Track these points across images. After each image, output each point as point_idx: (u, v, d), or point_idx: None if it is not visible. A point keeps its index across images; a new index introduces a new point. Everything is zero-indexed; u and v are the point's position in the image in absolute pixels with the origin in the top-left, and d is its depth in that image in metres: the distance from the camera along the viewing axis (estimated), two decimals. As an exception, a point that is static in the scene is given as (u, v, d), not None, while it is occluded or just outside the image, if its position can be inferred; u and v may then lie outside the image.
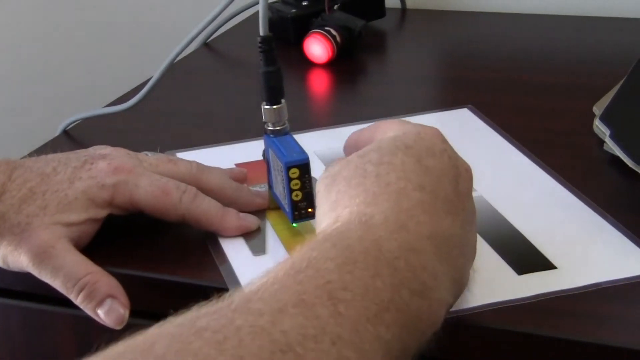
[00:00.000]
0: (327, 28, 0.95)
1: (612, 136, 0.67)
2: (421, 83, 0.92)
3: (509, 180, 0.68)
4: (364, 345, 0.41)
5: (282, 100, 0.63)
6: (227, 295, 0.42)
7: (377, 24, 1.07)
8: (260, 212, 0.65)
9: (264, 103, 0.63)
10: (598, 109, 0.74)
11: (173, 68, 0.87)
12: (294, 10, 1.01)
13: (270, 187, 0.65)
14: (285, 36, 1.02)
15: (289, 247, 0.61)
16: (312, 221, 0.62)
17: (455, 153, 0.53)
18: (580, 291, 0.54)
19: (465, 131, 0.77)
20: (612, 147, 0.67)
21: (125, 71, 1.21)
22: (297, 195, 0.60)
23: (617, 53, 0.94)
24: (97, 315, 0.57)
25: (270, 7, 1.04)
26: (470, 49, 0.99)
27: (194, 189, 0.62)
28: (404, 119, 0.57)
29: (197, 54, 1.03)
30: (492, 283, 0.55)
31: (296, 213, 0.61)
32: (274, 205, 0.65)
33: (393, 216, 0.48)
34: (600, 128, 0.70)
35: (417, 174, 0.50)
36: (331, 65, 0.95)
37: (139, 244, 0.63)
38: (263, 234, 0.63)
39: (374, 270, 0.44)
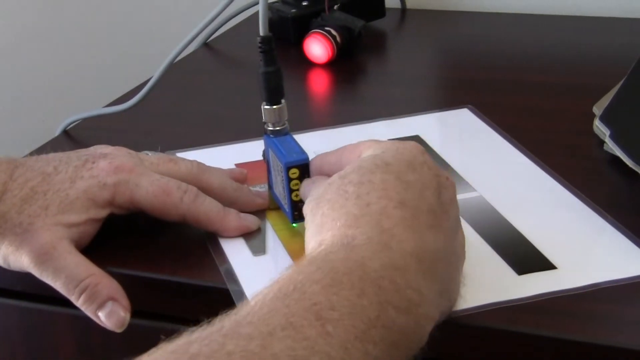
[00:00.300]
0: (327, 28, 0.95)
1: (612, 136, 0.67)
2: (421, 83, 0.92)
3: (509, 180, 0.68)
4: None
5: (282, 101, 0.63)
6: (217, 320, 0.43)
7: (377, 24, 1.07)
8: (260, 212, 0.65)
9: (264, 103, 0.63)
10: (598, 109, 0.74)
11: (173, 68, 0.87)
12: (294, 10, 1.01)
13: (270, 187, 0.65)
14: (285, 36, 1.02)
15: (288, 248, 0.61)
16: None
17: (435, 164, 0.54)
18: (580, 291, 0.54)
19: (465, 131, 0.77)
20: (612, 147, 0.67)
21: (125, 71, 1.21)
22: (297, 196, 0.60)
23: (617, 53, 0.93)
24: (98, 317, 0.57)
25: (270, 7, 1.04)
26: (470, 49, 0.99)
27: (195, 189, 0.62)
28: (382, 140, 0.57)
29: (197, 54, 1.03)
30: (492, 283, 0.55)
31: (296, 213, 0.61)
32: (274, 205, 0.65)
33: (375, 237, 0.49)
34: (600, 128, 0.70)
35: (398, 191, 0.51)
36: (331, 65, 0.95)
37: (139, 244, 0.63)
38: (263, 234, 0.63)
39: (359, 289, 0.45)
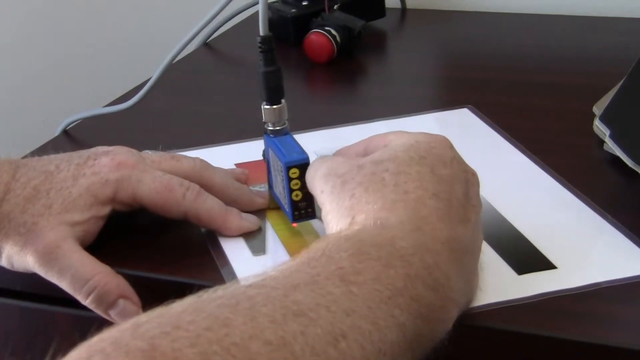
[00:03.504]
0: (327, 28, 0.95)
1: (612, 136, 0.67)
2: (421, 83, 0.92)
3: (509, 180, 0.68)
4: (379, 321, 0.42)
5: (282, 100, 0.62)
6: (243, 280, 0.43)
7: (377, 23, 1.07)
8: (260, 212, 0.65)
9: (264, 103, 0.63)
10: (598, 109, 0.74)
11: (173, 68, 0.87)
12: (293, 10, 1.01)
13: (270, 187, 0.65)
14: (285, 36, 1.02)
15: (288, 247, 0.61)
16: (312, 221, 0.62)
17: (462, 159, 0.55)
18: (580, 291, 0.54)
19: (465, 131, 0.77)
20: (612, 147, 0.67)
21: (125, 71, 1.21)
22: (297, 195, 0.60)
23: (617, 53, 0.93)
24: (109, 316, 0.57)
25: (270, 7, 1.04)
26: (470, 49, 0.99)
27: (197, 187, 0.62)
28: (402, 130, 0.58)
29: (197, 54, 1.03)
30: (492, 283, 0.55)
31: (296, 213, 0.61)
32: (274, 205, 0.65)
33: (410, 221, 0.49)
34: (600, 128, 0.70)
35: (432, 183, 0.52)
36: (331, 65, 0.95)
37: (139, 244, 0.63)
38: (263, 234, 0.63)
39: (386, 261, 0.45)
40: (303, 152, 0.61)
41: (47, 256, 0.58)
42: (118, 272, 0.59)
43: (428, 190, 0.51)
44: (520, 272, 0.56)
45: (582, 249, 0.59)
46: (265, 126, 0.63)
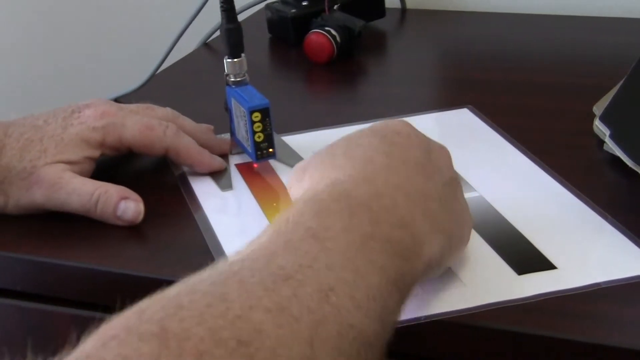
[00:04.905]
0: (327, 28, 0.95)
1: (612, 136, 0.67)
2: (421, 83, 0.92)
3: (509, 180, 0.68)
4: (359, 268, 0.44)
5: (242, 55, 0.70)
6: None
7: (377, 24, 1.07)
8: (223, 157, 0.72)
9: (226, 57, 0.70)
10: (598, 109, 0.74)
11: (173, 68, 0.87)
12: (293, 11, 1.01)
13: (233, 133, 0.73)
14: (285, 36, 1.02)
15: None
16: (270, 162, 0.71)
17: (426, 136, 0.56)
18: (580, 291, 0.54)
19: (465, 131, 0.77)
20: (612, 147, 0.67)
21: (125, 71, 1.21)
22: (259, 137, 0.68)
23: (617, 53, 0.93)
24: (118, 218, 0.64)
25: (270, 7, 1.04)
26: (470, 49, 0.99)
27: (175, 125, 0.69)
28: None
29: (197, 54, 1.03)
30: (492, 283, 0.55)
31: (259, 153, 0.68)
32: (236, 150, 0.73)
33: (358, 174, 0.50)
34: (600, 128, 0.70)
35: (383, 146, 0.53)
36: (331, 65, 0.95)
37: (139, 244, 0.63)
38: (228, 173, 0.71)
39: (348, 212, 0.47)
40: (264, 98, 0.68)
41: (52, 187, 0.64)
42: (118, 272, 0.59)
43: (378, 151, 0.52)
44: (520, 273, 0.56)
45: (582, 249, 0.59)
46: (227, 78, 0.71)
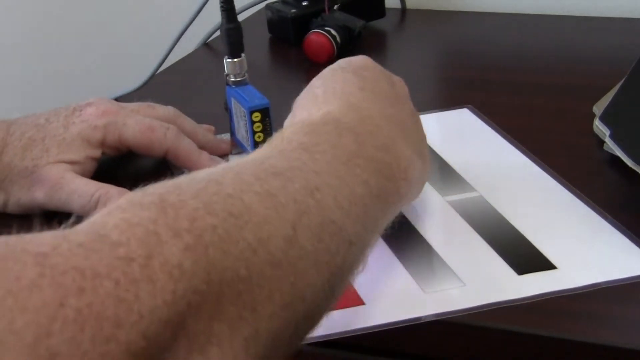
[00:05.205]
0: (327, 28, 0.95)
1: (611, 136, 0.67)
2: (421, 83, 0.92)
3: (509, 180, 0.68)
4: (344, 177, 0.48)
5: (242, 54, 0.70)
6: None
7: (377, 24, 1.07)
8: (224, 157, 0.73)
9: (226, 57, 0.70)
10: (598, 109, 0.74)
11: (173, 68, 0.87)
12: (293, 11, 1.01)
13: (233, 134, 0.73)
14: (285, 36, 1.02)
15: None
16: None
17: (385, 70, 0.61)
18: (579, 291, 0.54)
19: (465, 131, 0.77)
20: (611, 147, 0.67)
21: (126, 71, 1.21)
22: (259, 137, 0.68)
23: (617, 53, 0.94)
24: None
25: (270, 7, 1.04)
26: (470, 49, 0.99)
27: (176, 128, 0.70)
28: None
29: (197, 54, 1.03)
30: (492, 283, 0.55)
31: None
32: (237, 150, 0.73)
33: (343, 105, 0.55)
34: (600, 128, 0.70)
35: (357, 81, 0.57)
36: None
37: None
38: None
39: (337, 134, 0.51)
40: (264, 98, 0.68)
41: (54, 187, 0.64)
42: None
43: (354, 85, 0.56)
44: (520, 272, 0.56)
45: (582, 249, 0.59)
46: (227, 78, 0.71)
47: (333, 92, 0.56)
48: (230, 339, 0.38)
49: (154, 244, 0.36)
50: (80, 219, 0.39)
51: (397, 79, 0.61)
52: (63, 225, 0.38)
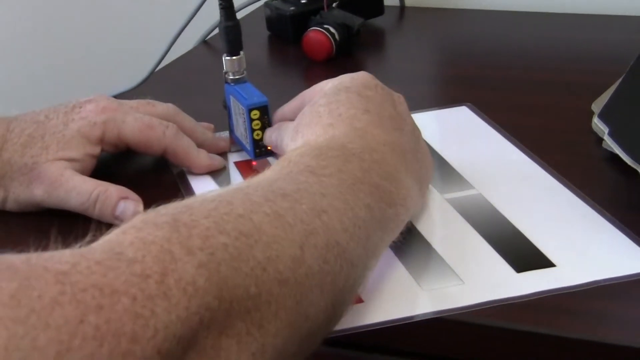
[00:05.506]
0: (325, 26, 0.95)
1: (610, 134, 0.67)
2: (420, 81, 0.92)
3: (508, 178, 0.68)
4: (349, 201, 0.49)
5: (241, 52, 0.70)
6: None
7: (376, 21, 1.07)
8: (222, 155, 0.73)
9: (225, 55, 0.70)
10: (597, 106, 0.74)
11: (172, 66, 0.87)
12: (292, 8, 1.01)
13: (232, 131, 0.73)
14: (284, 34, 1.02)
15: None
16: (269, 159, 0.70)
17: (385, 87, 0.62)
18: (578, 289, 0.54)
19: (463, 129, 0.77)
20: (610, 144, 0.67)
21: (125, 69, 1.21)
22: (257, 135, 0.68)
23: (615, 51, 0.94)
24: (116, 219, 0.64)
25: (268, 5, 1.04)
26: (469, 47, 0.99)
27: (175, 126, 0.69)
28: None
29: (197, 52, 1.03)
30: (491, 281, 0.56)
31: (257, 150, 0.69)
32: (235, 148, 0.73)
33: (350, 131, 0.56)
34: (598, 126, 0.70)
35: (361, 103, 0.58)
36: (330, 63, 0.95)
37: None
38: (227, 171, 0.71)
39: (343, 158, 0.53)
40: (262, 95, 0.68)
41: (53, 184, 0.64)
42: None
43: (359, 109, 0.58)
44: (519, 270, 0.56)
45: (581, 247, 0.59)
46: (226, 76, 0.71)
47: (338, 115, 0.57)
48: (238, 354, 0.39)
49: (168, 261, 0.37)
50: (95, 237, 0.40)
51: (397, 96, 0.62)
52: (79, 243, 0.39)
